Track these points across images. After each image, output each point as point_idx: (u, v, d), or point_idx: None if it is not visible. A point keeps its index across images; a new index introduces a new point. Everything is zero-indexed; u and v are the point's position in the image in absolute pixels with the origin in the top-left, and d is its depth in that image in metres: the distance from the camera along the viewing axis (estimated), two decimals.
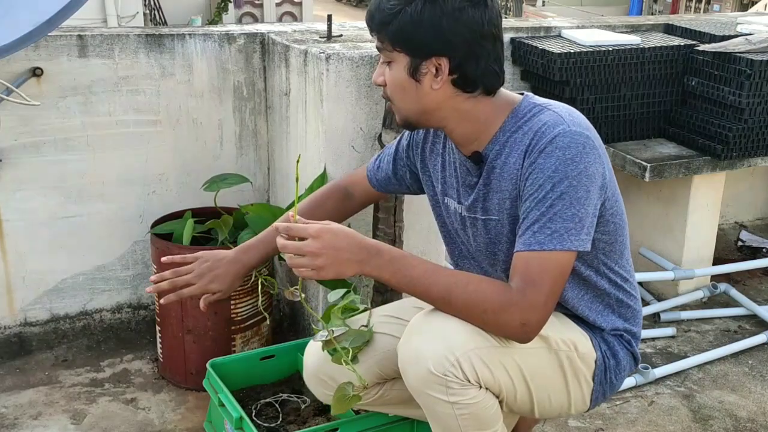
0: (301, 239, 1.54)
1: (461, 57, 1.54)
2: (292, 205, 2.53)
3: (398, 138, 1.95)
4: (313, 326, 1.98)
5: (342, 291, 1.90)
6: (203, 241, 2.53)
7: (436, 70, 1.55)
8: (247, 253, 1.89)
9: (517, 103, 1.63)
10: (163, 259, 1.90)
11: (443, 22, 1.52)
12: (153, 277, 1.87)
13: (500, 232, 1.65)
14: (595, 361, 1.69)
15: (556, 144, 1.51)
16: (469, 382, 1.52)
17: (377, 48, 1.61)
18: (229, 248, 2.36)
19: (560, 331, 1.65)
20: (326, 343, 1.77)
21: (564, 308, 1.70)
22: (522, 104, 1.62)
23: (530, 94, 1.67)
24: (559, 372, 1.65)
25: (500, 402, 1.61)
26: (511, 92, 1.67)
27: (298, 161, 1.62)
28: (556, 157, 1.50)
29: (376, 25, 1.58)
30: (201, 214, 2.54)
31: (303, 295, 1.67)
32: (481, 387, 1.54)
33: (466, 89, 1.59)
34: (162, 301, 1.87)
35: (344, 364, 1.72)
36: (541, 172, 1.51)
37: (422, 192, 1.92)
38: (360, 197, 2.05)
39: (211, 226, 2.49)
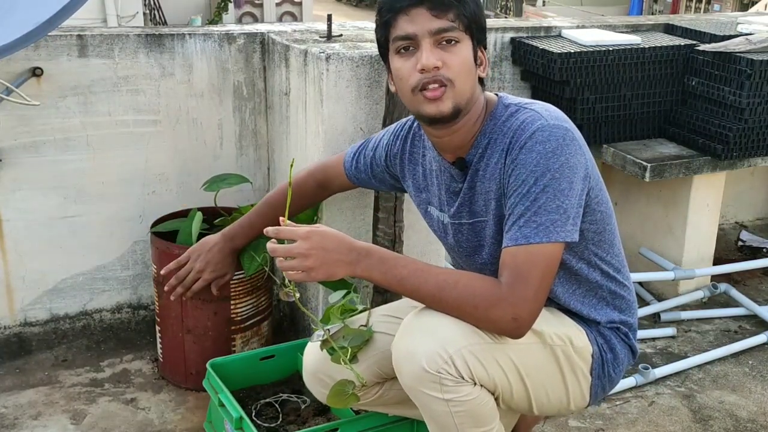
0: (291, 242, 1.55)
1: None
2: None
3: (373, 143, 1.95)
4: (313, 326, 1.98)
5: (342, 292, 1.91)
6: None
7: (481, 61, 1.62)
8: (234, 240, 2.19)
9: (493, 104, 1.65)
10: (162, 271, 2.24)
11: (485, 17, 1.60)
12: (166, 290, 2.22)
13: (487, 233, 1.65)
14: (592, 356, 1.69)
15: (536, 139, 1.53)
16: (463, 379, 1.52)
17: (440, 30, 1.53)
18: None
19: (555, 326, 1.65)
20: (324, 343, 1.77)
21: (557, 304, 1.70)
22: (498, 106, 1.64)
23: (504, 94, 1.68)
24: (556, 367, 1.65)
25: (496, 399, 1.61)
26: (486, 92, 1.68)
27: (291, 165, 1.62)
28: (537, 152, 1.52)
29: (455, 0, 1.54)
30: (202, 214, 2.54)
31: (298, 296, 1.67)
32: (475, 384, 1.55)
33: (483, 83, 1.65)
34: (172, 297, 2.21)
35: (342, 363, 1.72)
36: (524, 168, 1.53)
37: (405, 192, 1.95)
38: (337, 190, 2.12)
39: (220, 224, 2.50)
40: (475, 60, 1.59)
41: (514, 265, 1.51)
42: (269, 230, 1.58)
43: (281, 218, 1.61)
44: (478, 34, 1.59)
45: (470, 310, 1.52)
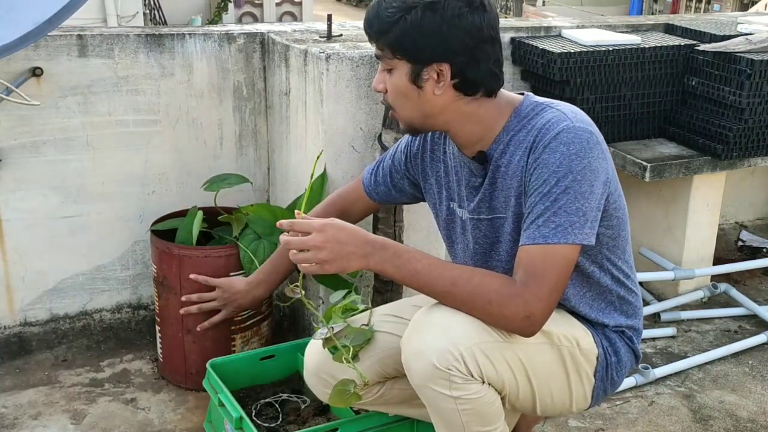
0: (305, 235, 1.54)
1: (462, 62, 1.56)
2: (294, 204, 2.53)
3: (392, 152, 1.94)
4: (314, 325, 1.98)
5: (343, 292, 1.91)
6: (204, 240, 2.53)
7: (438, 75, 1.57)
8: (258, 287, 2.14)
9: (518, 102, 1.64)
10: (192, 276, 2.30)
11: (443, 29, 1.53)
12: (183, 298, 2.32)
13: (504, 230, 1.66)
14: (597, 358, 1.70)
15: (560, 140, 1.53)
16: (472, 376, 1.53)
17: (377, 56, 1.61)
18: (237, 245, 2.39)
19: (563, 326, 1.66)
20: (327, 341, 1.77)
21: (564, 306, 1.70)
22: (524, 104, 1.64)
23: (530, 93, 1.68)
24: (562, 368, 1.65)
25: (502, 398, 1.61)
26: (511, 92, 1.68)
27: (318, 156, 1.64)
28: (561, 153, 1.52)
29: (375, 33, 1.58)
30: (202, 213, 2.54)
31: (303, 292, 1.67)
32: (483, 382, 1.55)
33: (468, 92, 1.60)
34: (198, 328, 2.32)
35: (345, 362, 1.72)
36: (546, 168, 1.53)
37: (424, 200, 1.93)
38: (359, 214, 2.06)
39: (225, 220, 2.50)
40: (417, 81, 1.57)
41: (531, 263, 1.51)
42: (283, 223, 1.57)
43: (297, 211, 1.60)
44: (414, 57, 1.56)
45: (484, 306, 1.52)
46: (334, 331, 1.77)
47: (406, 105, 1.61)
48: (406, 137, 1.91)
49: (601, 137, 1.58)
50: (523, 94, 1.68)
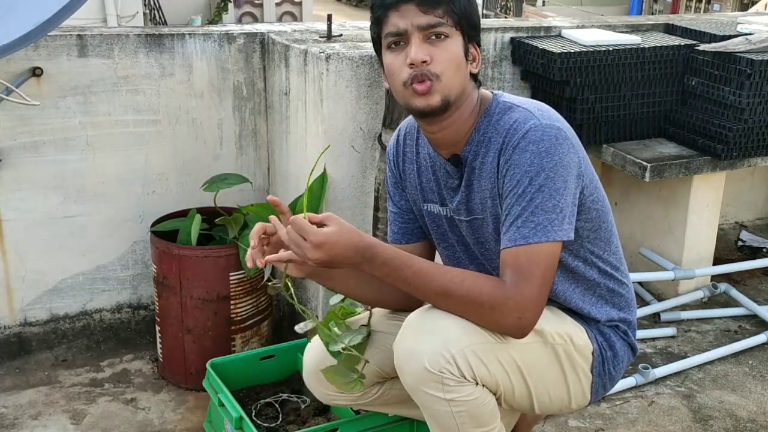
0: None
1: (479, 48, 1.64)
2: (294, 203, 2.53)
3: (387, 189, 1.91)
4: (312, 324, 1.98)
5: None
6: (205, 240, 2.53)
7: (475, 56, 1.62)
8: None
9: (488, 102, 1.65)
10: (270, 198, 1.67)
11: (478, 14, 1.61)
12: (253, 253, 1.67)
13: (486, 230, 1.66)
14: (593, 353, 1.70)
15: (529, 138, 1.53)
16: (465, 378, 1.52)
17: (428, 26, 1.54)
18: (237, 246, 2.39)
19: (555, 324, 1.66)
20: (311, 332, 1.77)
21: (556, 303, 1.70)
22: (492, 104, 1.65)
23: (499, 92, 1.68)
24: (557, 366, 1.65)
25: (498, 399, 1.61)
26: (482, 90, 1.68)
27: (323, 152, 1.61)
28: (531, 152, 1.52)
29: None
30: (201, 214, 2.54)
31: (289, 287, 1.64)
32: (477, 384, 1.55)
33: (477, 80, 1.65)
34: (260, 263, 1.65)
35: (343, 351, 1.71)
36: (518, 168, 1.53)
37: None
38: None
39: (221, 223, 2.50)
40: (467, 56, 1.60)
41: (516, 265, 1.51)
42: (293, 221, 1.52)
43: (306, 214, 1.53)
44: (469, 31, 1.60)
45: (476, 309, 1.52)
46: (308, 327, 1.77)
47: (455, 75, 1.58)
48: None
49: (570, 131, 1.59)
50: (493, 93, 1.68)
